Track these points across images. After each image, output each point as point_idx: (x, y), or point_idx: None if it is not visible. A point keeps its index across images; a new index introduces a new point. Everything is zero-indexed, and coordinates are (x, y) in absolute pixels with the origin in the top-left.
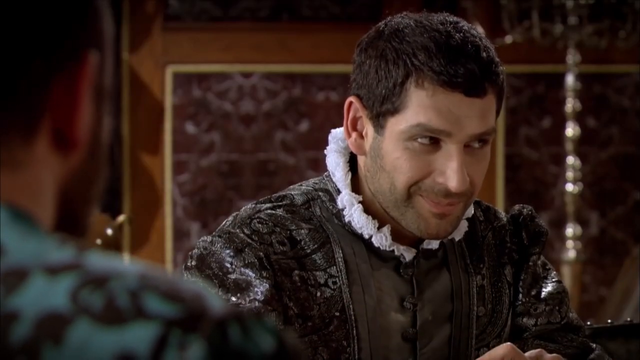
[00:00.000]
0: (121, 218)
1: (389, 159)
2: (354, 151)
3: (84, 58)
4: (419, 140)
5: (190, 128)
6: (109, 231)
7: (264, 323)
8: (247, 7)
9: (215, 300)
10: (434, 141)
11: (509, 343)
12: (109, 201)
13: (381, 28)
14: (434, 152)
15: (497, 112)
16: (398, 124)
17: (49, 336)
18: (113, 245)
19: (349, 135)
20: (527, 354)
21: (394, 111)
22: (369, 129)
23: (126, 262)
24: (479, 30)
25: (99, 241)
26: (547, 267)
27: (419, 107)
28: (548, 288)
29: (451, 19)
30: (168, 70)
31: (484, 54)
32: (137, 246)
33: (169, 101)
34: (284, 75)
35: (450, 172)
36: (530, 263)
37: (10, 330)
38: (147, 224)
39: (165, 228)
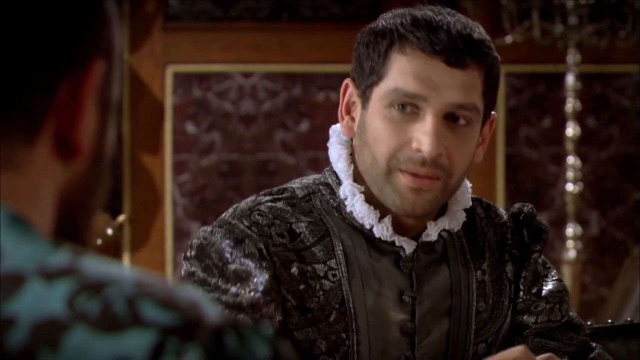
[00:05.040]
0: (121, 218)
1: (370, 131)
2: (344, 134)
3: (91, 65)
4: (397, 107)
5: (190, 128)
6: (109, 231)
7: (259, 331)
8: (247, 7)
9: (211, 308)
10: (413, 109)
11: (522, 346)
12: (109, 201)
13: (375, 23)
14: (412, 121)
15: (485, 95)
16: (379, 92)
17: (45, 342)
18: (113, 245)
19: (342, 118)
20: (538, 358)
21: (378, 80)
22: (358, 108)
23: (122, 268)
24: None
25: (99, 241)
26: (548, 266)
27: (398, 72)
28: (549, 286)
29: (446, 10)
30: (168, 70)
31: (474, 34)
32: (137, 246)
33: (169, 101)
34: (284, 75)
35: (423, 136)
36: (531, 261)
37: (7, 336)
38: (147, 224)
39: (165, 228)
